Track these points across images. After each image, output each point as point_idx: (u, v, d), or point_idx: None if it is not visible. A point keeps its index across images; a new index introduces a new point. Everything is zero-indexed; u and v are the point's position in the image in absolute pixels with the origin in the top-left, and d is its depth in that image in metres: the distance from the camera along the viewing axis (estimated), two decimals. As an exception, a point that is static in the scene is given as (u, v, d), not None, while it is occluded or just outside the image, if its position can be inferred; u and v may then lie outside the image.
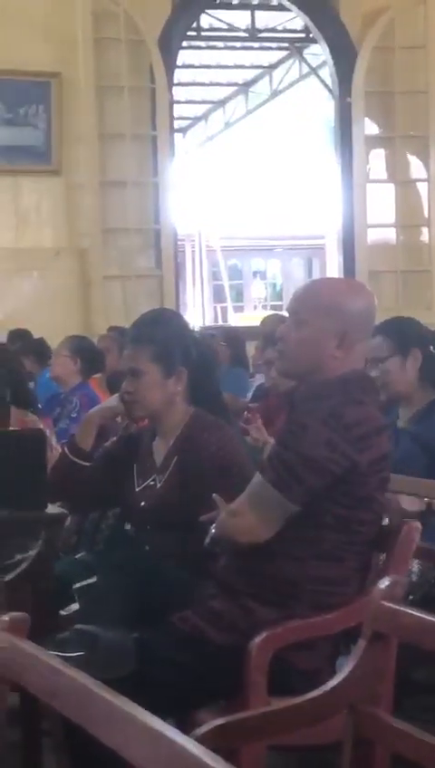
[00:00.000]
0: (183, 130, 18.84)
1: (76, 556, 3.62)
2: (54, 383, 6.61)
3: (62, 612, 3.13)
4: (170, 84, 10.08)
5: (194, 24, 11.63)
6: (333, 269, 11.64)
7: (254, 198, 24.48)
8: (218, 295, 24.66)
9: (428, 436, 3.90)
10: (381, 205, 10.41)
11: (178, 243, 11.29)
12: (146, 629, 2.72)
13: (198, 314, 20.98)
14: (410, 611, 1.96)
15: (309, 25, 11.05)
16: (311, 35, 11.61)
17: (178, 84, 12.39)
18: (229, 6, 12.34)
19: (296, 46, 13.87)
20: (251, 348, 8.23)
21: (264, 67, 15.58)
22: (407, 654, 2.19)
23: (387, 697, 2.18)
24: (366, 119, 10.37)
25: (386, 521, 2.96)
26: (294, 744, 2.58)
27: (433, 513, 3.49)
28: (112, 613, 2.84)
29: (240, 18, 12.73)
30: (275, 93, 15.96)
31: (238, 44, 13.93)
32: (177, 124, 13.05)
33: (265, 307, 25.14)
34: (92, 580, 3.07)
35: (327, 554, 2.73)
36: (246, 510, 2.74)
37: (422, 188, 10.54)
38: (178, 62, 10.88)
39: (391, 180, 10.45)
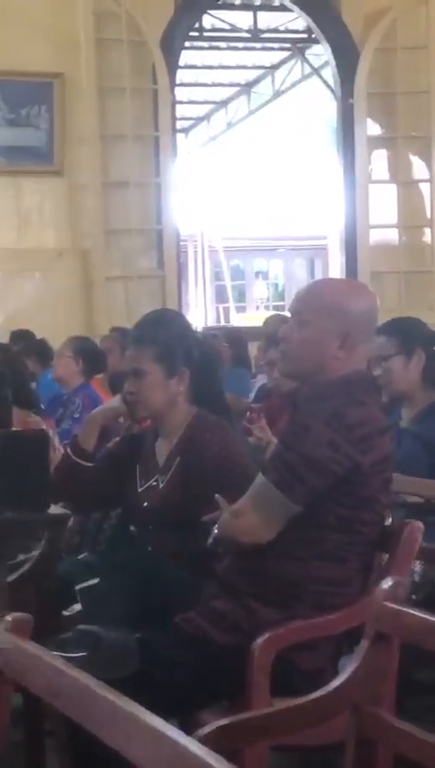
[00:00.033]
0: (185, 131, 18.85)
1: (79, 556, 3.62)
2: (57, 384, 6.61)
3: (65, 613, 3.13)
4: (173, 85, 10.09)
5: (196, 25, 11.63)
6: (336, 270, 11.66)
7: (256, 199, 24.46)
8: (221, 296, 24.66)
9: (430, 435, 3.91)
10: (383, 205, 10.40)
11: (181, 243, 11.30)
12: (148, 630, 2.72)
13: (200, 315, 20.98)
14: (412, 612, 1.96)
15: (311, 26, 11.05)
16: (313, 36, 11.61)
17: (181, 85, 12.39)
18: (231, 7, 12.35)
19: (298, 47, 13.87)
20: (253, 348, 8.23)
21: (266, 68, 15.58)
22: (409, 654, 2.19)
23: (390, 698, 2.18)
24: (368, 119, 10.37)
25: (389, 521, 2.96)
26: (296, 745, 2.58)
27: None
28: (115, 613, 2.84)
29: (242, 19, 12.74)
30: (277, 94, 15.96)
31: (240, 45, 13.93)
32: (179, 125, 13.07)
33: (267, 307, 25.12)
34: (95, 580, 3.07)
35: (329, 555, 2.73)
36: (249, 510, 2.74)
37: (425, 189, 10.54)
38: (181, 63, 10.88)
39: (394, 181, 10.45)
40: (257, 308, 25.85)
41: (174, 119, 10.32)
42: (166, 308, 7.68)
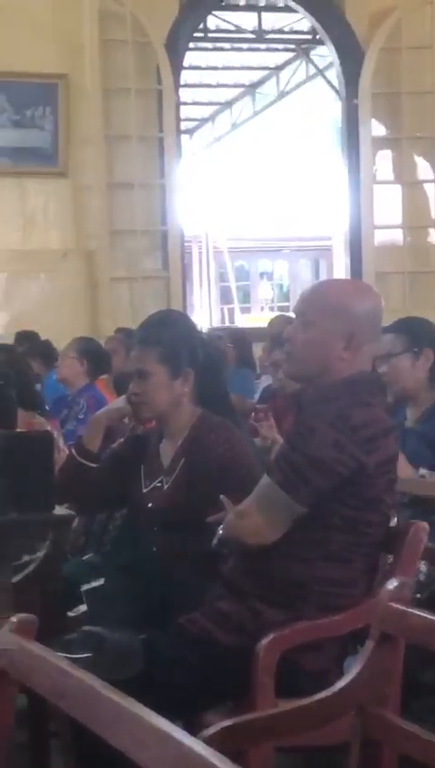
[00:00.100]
0: (190, 132, 18.84)
1: (84, 557, 3.62)
2: (61, 385, 6.62)
3: (70, 614, 3.13)
4: (177, 86, 10.09)
5: (201, 26, 11.65)
6: (340, 270, 11.66)
7: (261, 200, 24.46)
8: (225, 296, 24.65)
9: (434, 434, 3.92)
10: (388, 206, 10.41)
11: (185, 244, 11.30)
12: (153, 631, 2.72)
13: (204, 315, 20.98)
14: (418, 613, 1.96)
15: (316, 26, 11.06)
16: (318, 37, 11.61)
17: (185, 86, 12.40)
18: (236, 8, 12.36)
19: (303, 47, 13.87)
20: (258, 349, 8.23)
21: (270, 68, 15.58)
22: (415, 655, 2.19)
23: (395, 699, 2.18)
24: (373, 120, 10.37)
25: (394, 522, 2.96)
26: (301, 746, 2.58)
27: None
28: (120, 614, 2.84)
29: (247, 19, 12.74)
30: (281, 95, 15.96)
31: (245, 46, 13.93)
32: (183, 125, 13.05)
33: (271, 308, 25.13)
34: (100, 581, 3.07)
35: (334, 556, 2.72)
36: (254, 511, 2.74)
37: (429, 189, 10.54)
38: (185, 64, 10.90)
39: (398, 181, 10.45)
40: (262, 309, 25.85)
41: (178, 119, 10.32)
42: (170, 309, 7.69)
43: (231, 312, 24.00)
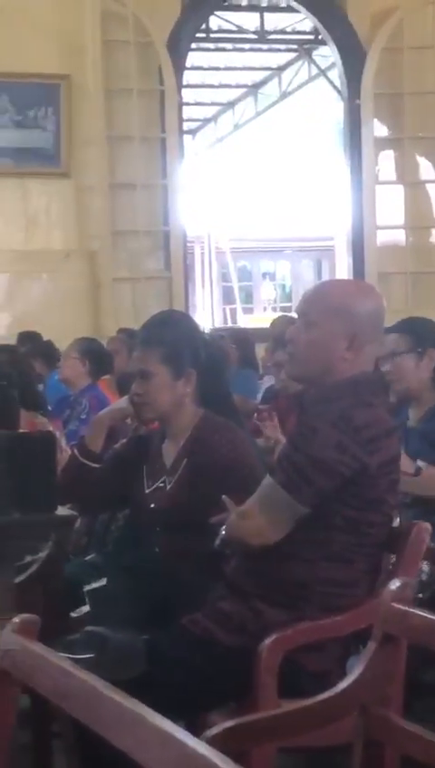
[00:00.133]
0: (192, 132, 18.84)
1: (86, 558, 3.62)
2: (64, 385, 6.62)
3: (73, 614, 3.13)
4: (179, 86, 10.09)
5: (203, 26, 11.64)
6: (343, 270, 11.65)
7: (263, 200, 24.48)
8: (228, 297, 24.66)
9: (438, 433, 3.93)
10: (390, 206, 10.40)
11: (188, 244, 11.30)
12: (156, 631, 2.72)
13: (207, 316, 20.97)
14: (420, 613, 1.96)
15: (318, 27, 11.06)
16: (320, 37, 11.61)
17: (187, 86, 12.40)
18: (238, 8, 12.35)
19: (305, 48, 13.87)
20: (260, 350, 8.23)
21: (273, 69, 15.58)
22: (417, 656, 2.19)
23: (397, 699, 2.18)
24: (375, 120, 10.36)
25: (396, 522, 2.96)
26: (304, 746, 2.58)
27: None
28: (122, 615, 2.84)
29: (249, 20, 12.74)
30: (284, 95, 15.96)
31: (247, 46, 13.93)
32: (186, 126, 13.05)
33: (274, 309, 25.15)
34: (103, 580, 3.07)
35: (337, 556, 2.72)
36: (256, 512, 2.74)
37: (432, 190, 10.53)
38: (187, 64, 10.90)
39: (401, 182, 10.45)
40: (265, 309, 25.87)
41: (181, 120, 10.32)
42: (173, 309, 7.68)
43: (233, 312, 24.01)
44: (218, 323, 20.94)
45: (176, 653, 2.66)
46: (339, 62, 10.68)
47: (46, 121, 9.70)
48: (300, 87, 15.45)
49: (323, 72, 13.63)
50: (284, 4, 11.88)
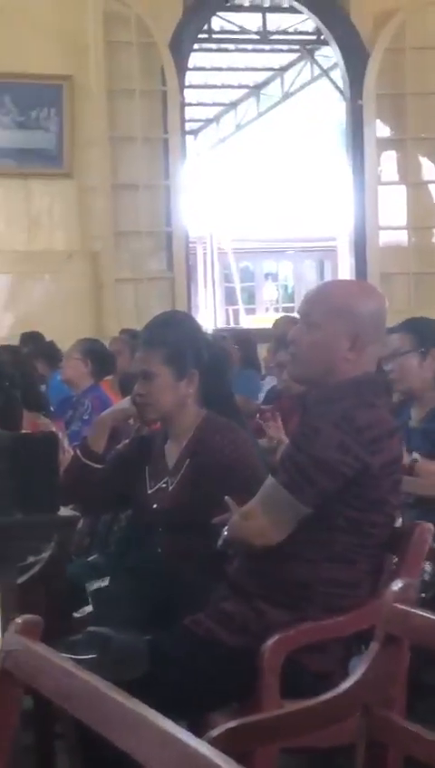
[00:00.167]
0: (194, 133, 18.84)
1: (89, 558, 3.62)
2: (66, 386, 6.62)
3: (76, 614, 3.13)
4: (182, 87, 10.09)
5: (205, 27, 11.63)
6: (345, 271, 11.66)
7: (265, 200, 24.47)
8: (230, 297, 24.66)
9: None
10: (392, 207, 10.40)
11: (190, 245, 11.31)
12: (158, 632, 2.72)
13: (209, 317, 20.98)
14: (423, 614, 1.96)
15: (320, 27, 11.06)
16: (322, 37, 11.60)
17: (190, 87, 12.40)
18: (240, 9, 12.35)
19: (308, 48, 13.86)
20: (262, 350, 8.23)
21: (275, 69, 15.57)
22: (420, 657, 2.19)
23: (400, 700, 2.18)
24: (377, 120, 10.36)
25: (399, 522, 2.96)
26: (306, 747, 2.58)
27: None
28: (125, 615, 2.84)
29: (251, 20, 12.73)
30: (286, 95, 15.96)
31: (249, 47, 13.93)
32: (188, 126, 13.06)
33: (276, 309, 25.14)
34: (106, 579, 3.07)
35: (339, 557, 2.72)
36: (259, 512, 2.74)
37: (434, 190, 10.53)
38: (190, 65, 10.89)
39: (403, 182, 10.44)
40: (267, 310, 25.87)
41: (183, 120, 10.32)
42: (175, 310, 7.69)
43: (236, 312, 24.02)
44: (221, 324, 20.95)
45: (178, 653, 2.66)
46: (341, 62, 10.68)
47: (49, 122, 9.70)
48: (302, 87, 15.45)
49: (325, 73, 13.63)
50: (286, 5, 11.87)
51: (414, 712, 2.54)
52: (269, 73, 15.84)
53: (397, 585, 2.03)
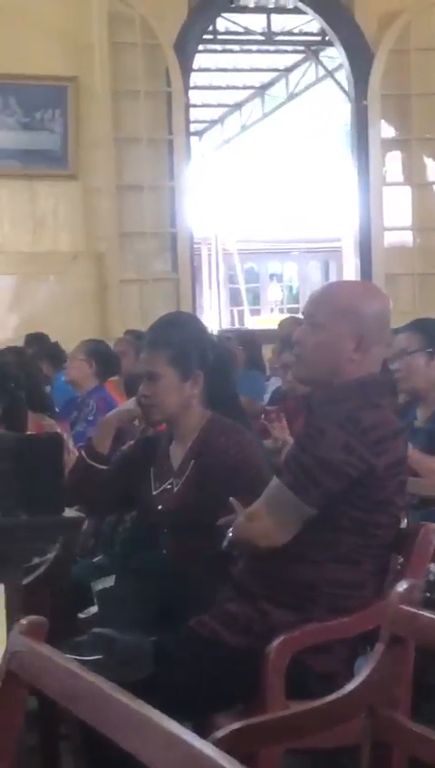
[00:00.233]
0: (199, 134, 18.86)
1: (93, 560, 3.62)
2: (71, 387, 6.62)
3: (81, 615, 3.13)
4: (186, 88, 10.10)
5: (210, 28, 11.65)
6: (350, 272, 11.66)
7: (270, 201, 24.47)
8: (235, 298, 24.67)
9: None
10: (397, 207, 10.40)
11: (195, 246, 11.32)
12: (163, 633, 2.72)
13: (214, 317, 20.99)
14: (428, 615, 1.95)
15: (325, 28, 11.06)
16: (327, 38, 11.61)
17: (195, 88, 12.40)
18: (245, 10, 12.36)
19: (312, 49, 13.87)
20: (267, 351, 8.23)
21: (280, 70, 15.58)
22: (425, 657, 2.18)
23: (405, 701, 2.18)
24: (382, 121, 10.36)
25: (404, 523, 2.95)
26: (311, 748, 2.58)
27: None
28: (130, 616, 2.84)
29: (256, 21, 12.74)
30: (291, 96, 15.97)
31: (254, 48, 13.95)
32: (193, 127, 13.06)
33: (281, 310, 25.14)
34: (111, 578, 3.07)
35: (344, 557, 2.72)
36: (264, 514, 2.74)
37: (439, 191, 10.53)
38: (195, 66, 10.90)
39: (408, 183, 10.44)
40: (272, 311, 25.86)
41: (188, 122, 10.33)
42: (180, 311, 7.70)
43: (241, 313, 24.03)
44: (226, 325, 20.95)
45: (183, 655, 2.66)
46: (346, 63, 10.68)
47: (54, 123, 9.71)
48: (307, 88, 15.46)
49: (330, 74, 13.64)
50: (291, 6, 11.88)
51: (419, 713, 2.54)
52: (274, 74, 15.86)
53: (402, 586, 2.03)
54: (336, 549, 2.72)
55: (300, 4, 10.83)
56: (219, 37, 12.80)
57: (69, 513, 3.26)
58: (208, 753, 1.28)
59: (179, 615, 2.79)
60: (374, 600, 2.72)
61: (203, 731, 2.29)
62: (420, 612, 1.97)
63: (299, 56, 14.66)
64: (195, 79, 11.73)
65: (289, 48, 14.19)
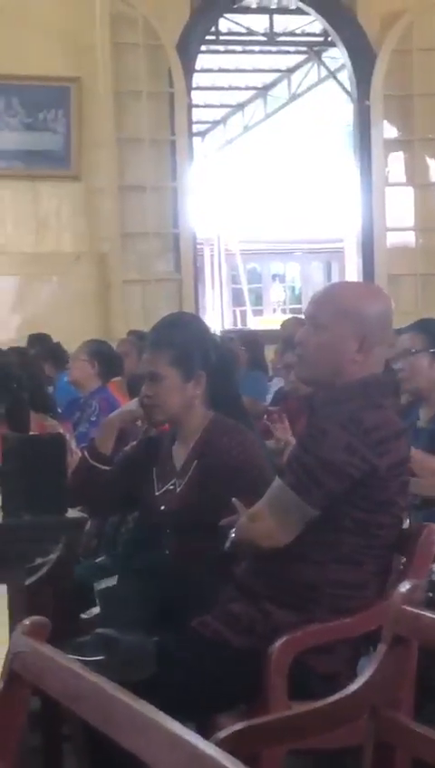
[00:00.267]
0: (202, 134, 18.85)
1: (96, 560, 3.62)
2: (73, 387, 6.62)
3: (83, 616, 3.13)
4: (189, 88, 10.10)
5: (212, 29, 11.64)
6: (353, 272, 11.64)
7: (273, 202, 24.48)
8: (237, 299, 24.66)
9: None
10: (399, 208, 10.40)
11: (197, 246, 11.31)
12: (165, 633, 2.72)
13: (217, 318, 20.98)
14: (431, 615, 1.95)
15: (327, 29, 11.06)
16: (329, 39, 11.61)
17: (197, 88, 12.41)
18: (248, 10, 12.35)
19: (315, 50, 13.87)
20: (270, 351, 8.23)
21: (282, 71, 15.58)
22: (428, 658, 2.18)
23: (408, 701, 2.17)
24: (385, 121, 10.36)
25: (406, 524, 2.95)
26: (313, 748, 2.58)
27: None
28: (132, 617, 2.84)
29: (258, 22, 12.74)
30: (293, 97, 15.96)
31: (257, 48, 13.93)
32: (195, 128, 13.05)
33: (284, 310, 25.14)
34: (113, 579, 3.07)
35: (346, 558, 2.72)
36: (266, 514, 2.74)
37: (441, 191, 10.53)
38: (197, 67, 10.90)
39: (410, 183, 10.44)
40: (274, 311, 25.87)
41: (190, 122, 10.33)
42: (183, 311, 7.70)
43: (243, 314, 24.03)
44: (228, 325, 20.95)
45: (185, 655, 2.66)
46: (348, 63, 10.68)
47: (56, 124, 9.72)
48: (309, 89, 15.45)
49: (332, 74, 13.63)
50: (293, 6, 11.88)
51: (422, 713, 2.54)
52: (276, 75, 15.85)
53: (404, 586, 2.03)
54: (339, 549, 2.72)
55: (302, 5, 10.83)
56: (222, 38, 12.79)
57: (72, 513, 3.26)
58: (211, 753, 1.28)
59: (182, 615, 2.79)
60: (377, 600, 2.72)
61: (206, 731, 2.29)
62: (423, 612, 1.97)
63: (301, 57, 14.65)
64: (197, 79, 11.74)
65: (291, 49, 14.18)
